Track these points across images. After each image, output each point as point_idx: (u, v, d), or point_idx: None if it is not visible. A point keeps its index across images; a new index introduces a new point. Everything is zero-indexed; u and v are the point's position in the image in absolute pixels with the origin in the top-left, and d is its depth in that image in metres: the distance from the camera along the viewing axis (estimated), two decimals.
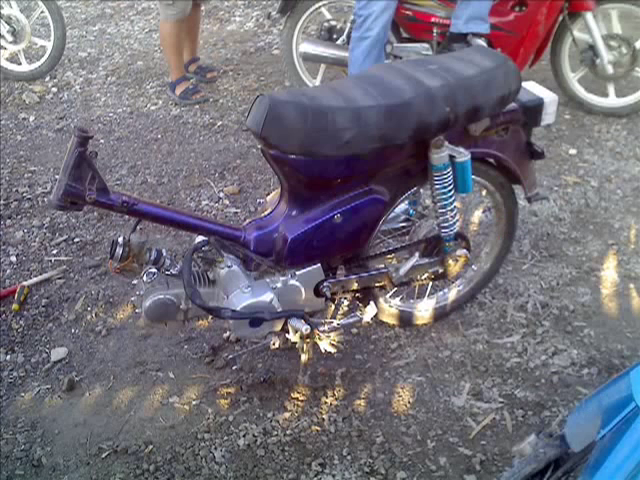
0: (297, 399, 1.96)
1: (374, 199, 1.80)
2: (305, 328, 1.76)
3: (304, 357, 1.87)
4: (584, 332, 2.15)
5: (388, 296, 2.13)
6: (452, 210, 1.91)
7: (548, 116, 1.96)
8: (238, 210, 2.86)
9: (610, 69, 3.29)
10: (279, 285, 1.81)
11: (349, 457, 1.78)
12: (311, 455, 1.80)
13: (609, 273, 2.40)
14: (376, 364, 2.07)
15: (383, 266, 2.01)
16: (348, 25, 3.42)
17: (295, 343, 1.83)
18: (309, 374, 1.98)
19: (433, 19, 3.24)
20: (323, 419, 1.89)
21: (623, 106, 3.40)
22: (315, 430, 1.86)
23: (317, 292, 1.87)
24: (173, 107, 3.81)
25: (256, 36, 4.80)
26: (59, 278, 2.50)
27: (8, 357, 2.15)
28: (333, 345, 1.86)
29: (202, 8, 4.20)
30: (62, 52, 4.25)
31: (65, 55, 4.40)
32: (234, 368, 2.04)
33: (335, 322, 1.86)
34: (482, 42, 3.02)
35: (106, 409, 1.96)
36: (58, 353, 2.15)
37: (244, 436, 1.85)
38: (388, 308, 2.12)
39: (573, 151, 3.17)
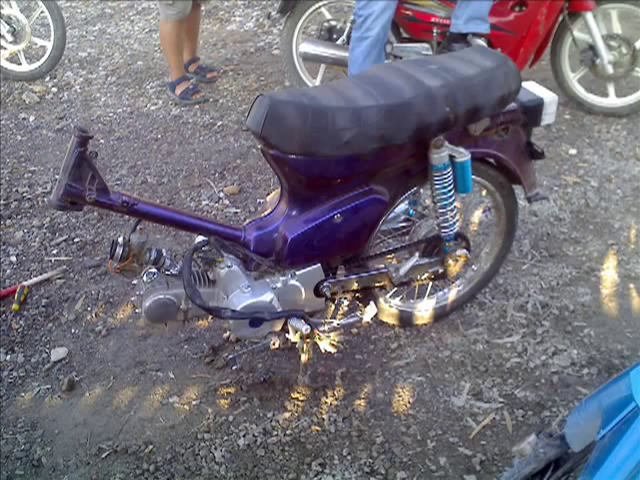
0: (297, 399, 1.96)
1: (374, 199, 1.80)
2: (305, 328, 1.76)
3: (304, 357, 1.87)
4: (584, 332, 2.15)
5: (388, 296, 2.13)
6: (452, 210, 1.91)
7: (548, 116, 1.96)
8: (238, 210, 2.86)
9: (610, 69, 3.29)
10: (279, 285, 1.81)
11: (349, 457, 1.78)
12: (311, 455, 1.80)
13: (609, 273, 2.40)
14: (376, 364, 2.07)
15: (383, 266, 2.01)
16: (348, 25, 3.42)
17: (295, 343, 1.83)
18: (309, 374, 1.97)
19: (433, 19, 3.24)
20: (323, 419, 1.89)
21: (623, 106, 3.39)
22: (315, 430, 1.86)
23: (317, 292, 1.87)
24: (173, 107, 3.81)
25: (256, 36, 4.80)
26: (59, 278, 2.50)
27: (8, 357, 2.15)
28: (333, 345, 1.86)
29: (202, 8, 4.20)
30: (62, 52, 4.25)
31: (65, 55, 4.40)
32: (234, 368, 2.04)
33: (335, 322, 1.86)
34: (482, 42, 3.03)
35: (106, 409, 1.96)
36: (58, 353, 2.15)
37: (244, 436, 1.85)
38: (388, 308, 2.12)
39: (573, 151, 3.17)
